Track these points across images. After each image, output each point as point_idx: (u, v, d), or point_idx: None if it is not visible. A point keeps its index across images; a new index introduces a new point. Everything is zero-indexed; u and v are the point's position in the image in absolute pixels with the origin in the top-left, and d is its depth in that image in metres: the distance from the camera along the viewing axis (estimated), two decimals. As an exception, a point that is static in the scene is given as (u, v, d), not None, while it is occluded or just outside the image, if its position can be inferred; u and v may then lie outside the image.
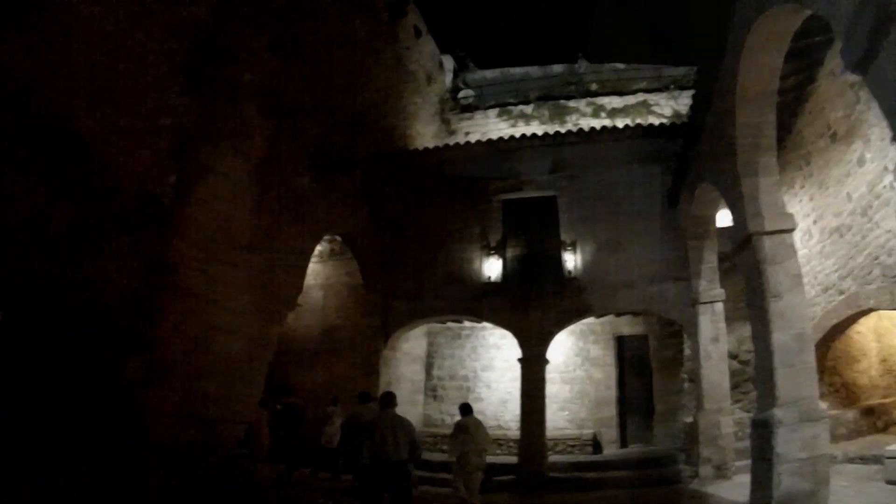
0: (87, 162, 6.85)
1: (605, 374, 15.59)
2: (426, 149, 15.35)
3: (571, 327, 14.41)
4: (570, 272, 12.79)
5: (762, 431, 6.92)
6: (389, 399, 7.34)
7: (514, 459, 12.56)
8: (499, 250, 13.47)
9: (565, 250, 13.01)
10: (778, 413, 6.72)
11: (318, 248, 14.93)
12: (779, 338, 7.01)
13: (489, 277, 13.29)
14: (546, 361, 12.79)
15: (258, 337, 9.04)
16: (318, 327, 14.82)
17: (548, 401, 12.85)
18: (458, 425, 9.22)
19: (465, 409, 9.36)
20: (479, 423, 9.36)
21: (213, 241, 8.25)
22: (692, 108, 10.07)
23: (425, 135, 17.45)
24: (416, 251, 14.11)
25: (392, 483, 6.77)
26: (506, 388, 15.93)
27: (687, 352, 13.91)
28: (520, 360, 12.88)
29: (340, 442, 10.05)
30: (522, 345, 12.83)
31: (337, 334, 14.43)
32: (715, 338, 11.34)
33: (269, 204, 9.51)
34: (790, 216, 7.56)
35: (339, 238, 14.18)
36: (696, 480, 10.65)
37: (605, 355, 15.76)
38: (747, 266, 7.70)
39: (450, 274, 13.70)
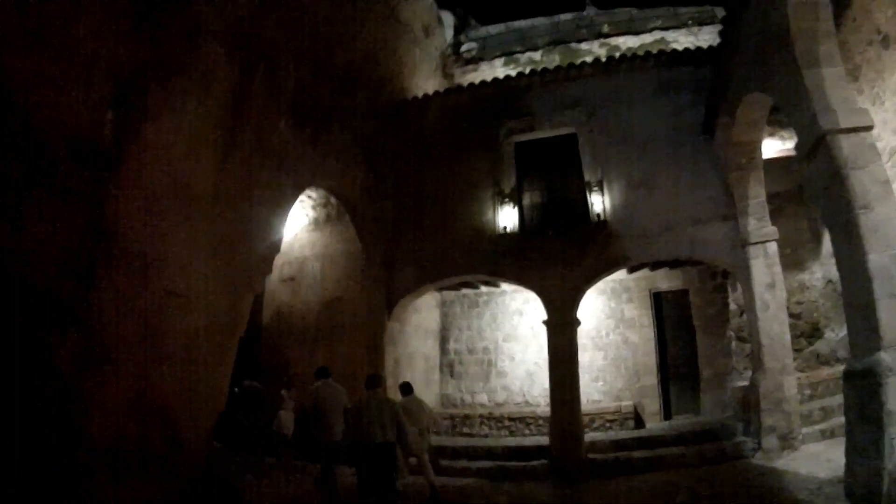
0: (9, 113, 5.50)
1: (643, 336, 13.96)
2: (426, 95, 13.69)
3: (601, 286, 13.03)
4: (598, 216, 11.14)
5: (864, 384, 5.46)
6: (375, 380, 7.31)
7: (545, 440, 11.12)
8: (513, 198, 11.87)
9: (591, 191, 11.37)
10: (886, 358, 5.25)
11: (313, 214, 13.75)
12: (876, 260, 5.59)
13: (505, 228, 11.69)
14: (577, 323, 11.20)
15: (226, 309, 7.57)
16: (316, 303, 13.47)
17: (580, 370, 11.25)
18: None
19: (406, 388, 9.29)
20: (420, 403, 9.40)
21: (165, 194, 6.83)
22: (727, 6, 8.59)
23: (427, 88, 15.82)
24: (422, 209, 12.64)
25: (378, 466, 6.70)
26: (532, 359, 14.49)
27: (733, 307, 12.56)
28: (545, 323, 11.29)
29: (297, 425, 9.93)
30: (548, 306, 11.24)
31: (338, 309, 13.06)
32: (771, 284, 9.83)
33: (240, 153, 8.11)
34: (865, 112, 6.25)
35: (334, 201, 12.86)
36: (759, 454, 9.31)
37: (641, 315, 14.11)
38: (823, 176, 6.30)
39: (460, 231, 12.18)
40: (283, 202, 9.13)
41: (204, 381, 7.13)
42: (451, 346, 15.48)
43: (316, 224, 13.99)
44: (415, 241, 12.46)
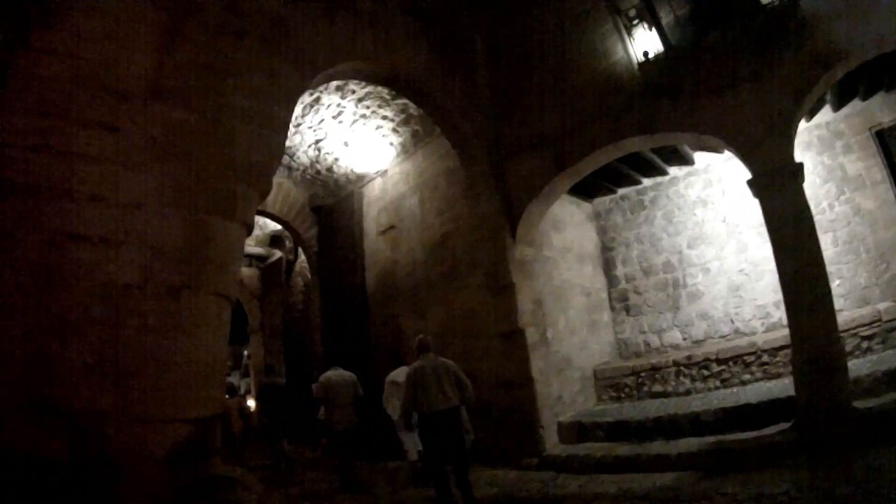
0: None
1: (879, 198, 9.87)
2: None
3: (804, 136, 9.88)
4: (779, -9, 7.11)
5: None
6: (425, 345, 7.07)
7: (778, 388, 7.94)
8: (643, 15, 8.25)
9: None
10: None
11: (398, 139, 11.36)
12: None
13: (646, 55, 8.15)
14: (801, 174, 7.07)
15: (187, 252, 5.15)
16: (421, 248, 10.91)
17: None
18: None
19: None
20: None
21: (70, 98, 4.89)
22: None
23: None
24: (526, 78, 9.61)
25: (447, 435, 6.44)
26: (734, 266, 10.93)
27: None
28: (750, 183, 7.37)
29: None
30: (744, 153, 7.39)
31: (447, 248, 10.37)
32: None
33: (196, 35, 5.83)
34: None
35: (416, 112, 10.25)
36: None
37: (869, 168, 10.01)
38: None
39: (584, 86, 8.85)
40: (283, 92, 6.50)
41: (152, 364, 4.72)
42: (619, 270, 12.28)
43: (405, 151, 11.49)
44: (526, 123, 9.45)
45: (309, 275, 15.10)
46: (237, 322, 20.37)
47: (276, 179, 12.93)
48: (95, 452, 4.35)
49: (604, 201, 12.57)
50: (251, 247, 18.29)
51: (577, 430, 8.88)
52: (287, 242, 17.63)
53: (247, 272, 19.41)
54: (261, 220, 16.44)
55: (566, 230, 11.32)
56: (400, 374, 8.56)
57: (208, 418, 5.01)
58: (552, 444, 8.67)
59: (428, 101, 9.07)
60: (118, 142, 4.97)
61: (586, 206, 12.45)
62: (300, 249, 15.99)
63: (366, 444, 9.85)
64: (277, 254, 18.45)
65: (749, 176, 7.33)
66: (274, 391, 11.29)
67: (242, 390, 18.48)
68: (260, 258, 19.37)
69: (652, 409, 8.98)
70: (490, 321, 9.28)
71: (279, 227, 15.57)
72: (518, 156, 9.40)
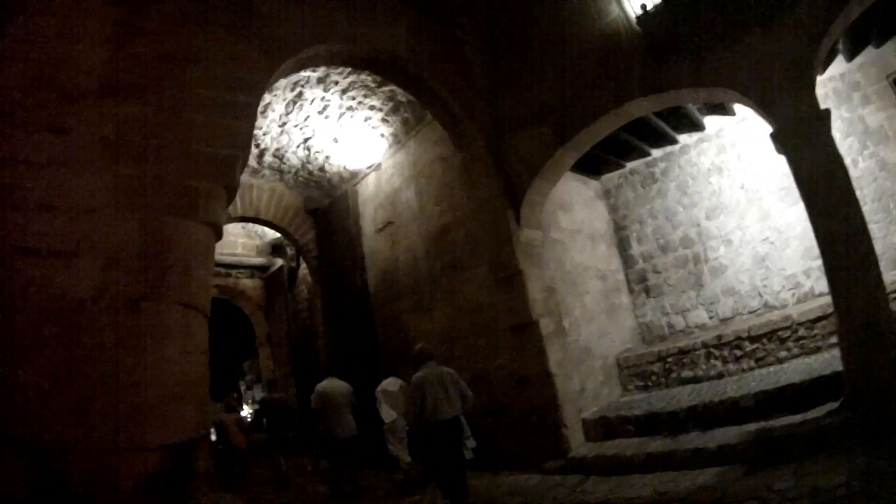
0: None
1: None
2: None
3: (819, 90, 8.63)
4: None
5: None
6: (426, 354, 7.09)
7: (819, 363, 7.39)
8: None
9: None
10: None
11: (389, 130, 10.81)
12: None
13: (644, 8, 7.42)
14: (828, 120, 6.28)
15: (142, 252, 4.60)
16: (421, 242, 10.38)
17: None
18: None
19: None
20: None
21: (18, 103, 4.68)
22: None
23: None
24: (516, 51, 9.04)
25: (450, 444, 6.49)
26: (757, 235, 10.28)
27: None
28: (773, 136, 6.58)
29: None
30: (764, 105, 6.63)
31: (448, 239, 9.84)
32: None
33: (154, 23, 5.48)
34: None
35: (404, 98, 9.72)
36: None
37: (890, 119, 9.34)
38: None
39: (580, 54, 8.20)
40: (248, 78, 6.03)
41: (115, 387, 4.24)
42: (635, 249, 11.67)
43: (397, 142, 10.97)
44: (523, 96, 8.86)
45: (311, 280, 14.61)
46: (249, 335, 20.04)
47: (268, 184, 12.67)
48: (59, 487, 4.01)
49: (612, 177, 11.97)
50: (252, 257, 17.89)
51: (604, 427, 8.23)
52: (288, 250, 17.11)
53: (250, 283, 18.95)
54: (259, 229, 16.10)
55: (574, 210, 10.72)
56: (392, 383, 9.01)
57: (182, 444, 4.48)
58: (577, 443, 8.03)
59: (414, 82, 8.48)
60: (68, 144, 4.70)
61: (594, 184, 11.85)
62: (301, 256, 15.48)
63: (372, 454, 9.75)
64: (279, 262, 17.93)
65: (770, 130, 6.64)
66: (273, 408, 11.16)
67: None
68: (262, 268, 18.87)
69: (683, 396, 8.32)
70: (499, 314, 8.68)
71: (279, 234, 15.06)
72: (516, 132, 8.80)
